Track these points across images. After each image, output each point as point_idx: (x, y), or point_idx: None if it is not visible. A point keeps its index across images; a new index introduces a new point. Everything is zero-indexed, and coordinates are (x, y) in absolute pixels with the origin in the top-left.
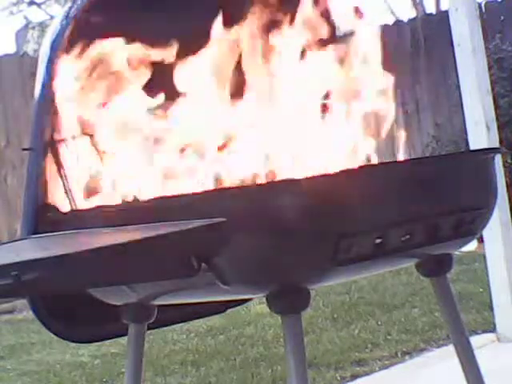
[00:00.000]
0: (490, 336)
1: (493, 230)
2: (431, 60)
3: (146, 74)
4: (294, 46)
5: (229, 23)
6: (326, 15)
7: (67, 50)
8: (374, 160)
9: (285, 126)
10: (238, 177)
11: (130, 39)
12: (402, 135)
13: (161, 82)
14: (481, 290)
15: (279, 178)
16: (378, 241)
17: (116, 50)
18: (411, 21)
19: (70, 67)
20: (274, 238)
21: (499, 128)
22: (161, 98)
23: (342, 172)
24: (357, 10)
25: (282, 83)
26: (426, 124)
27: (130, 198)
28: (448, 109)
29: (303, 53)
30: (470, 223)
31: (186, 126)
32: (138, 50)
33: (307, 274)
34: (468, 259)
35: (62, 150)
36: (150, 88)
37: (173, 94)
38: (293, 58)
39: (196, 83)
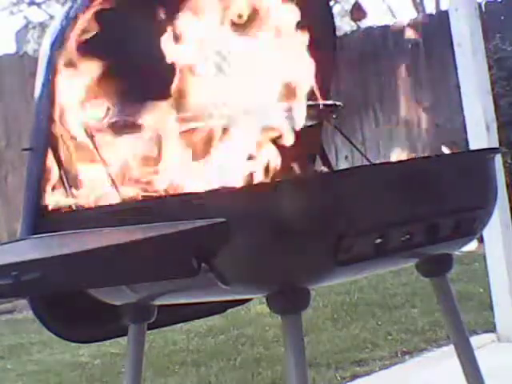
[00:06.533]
0: (490, 336)
1: (493, 230)
2: (431, 60)
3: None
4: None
5: None
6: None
7: (67, 50)
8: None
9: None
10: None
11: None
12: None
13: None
14: (481, 290)
15: (279, 177)
16: (378, 241)
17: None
18: (411, 21)
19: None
20: (274, 238)
21: (499, 128)
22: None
23: (342, 172)
24: (359, 9)
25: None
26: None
27: (129, 198)
28: (448, 109)
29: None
30: (470, 223)
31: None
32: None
33: (307, 273)
34: (468, 259)
35: (62, 149)
36: (145, 88)
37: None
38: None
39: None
